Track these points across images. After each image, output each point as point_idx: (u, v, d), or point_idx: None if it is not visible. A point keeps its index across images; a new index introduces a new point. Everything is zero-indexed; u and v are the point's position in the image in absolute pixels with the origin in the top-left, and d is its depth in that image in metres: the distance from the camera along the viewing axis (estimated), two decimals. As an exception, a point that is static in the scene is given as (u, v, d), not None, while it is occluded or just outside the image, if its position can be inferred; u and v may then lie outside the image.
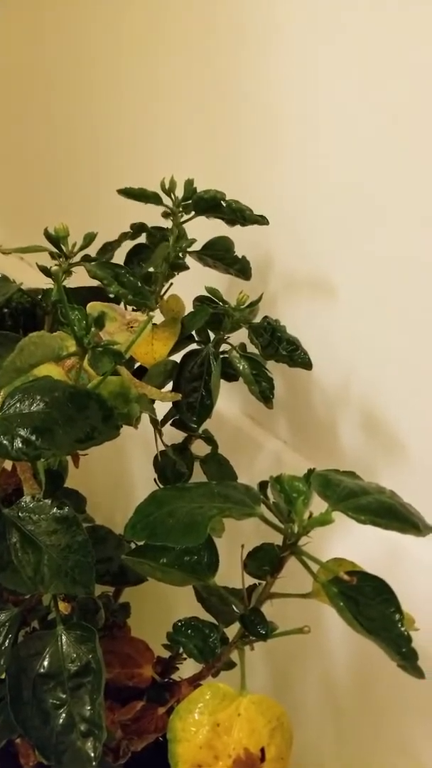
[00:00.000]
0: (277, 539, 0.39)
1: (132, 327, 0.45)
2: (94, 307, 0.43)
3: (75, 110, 0.87)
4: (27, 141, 0.99)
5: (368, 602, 0.32)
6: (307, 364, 0.49)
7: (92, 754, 0.36)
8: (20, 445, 0.36)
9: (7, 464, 0.50)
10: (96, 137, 0.84)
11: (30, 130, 0.98)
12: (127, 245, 0.57)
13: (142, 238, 0.57)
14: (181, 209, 0.54)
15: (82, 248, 0.48)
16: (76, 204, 0.91)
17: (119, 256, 0.57)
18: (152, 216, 0.56)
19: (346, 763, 0.58)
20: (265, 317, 0.52)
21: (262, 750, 0.35)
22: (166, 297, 0.56)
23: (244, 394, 0.65)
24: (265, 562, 0.38)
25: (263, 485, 0.40)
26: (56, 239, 0.46)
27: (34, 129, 0.97)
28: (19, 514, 0.40)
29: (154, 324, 0.52)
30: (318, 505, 0.36)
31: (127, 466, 0.77)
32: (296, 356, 0.49)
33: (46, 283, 0.52)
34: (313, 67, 0.56)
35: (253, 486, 0.38)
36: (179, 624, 0.43)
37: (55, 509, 0.40)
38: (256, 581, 0.42)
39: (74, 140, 0.88)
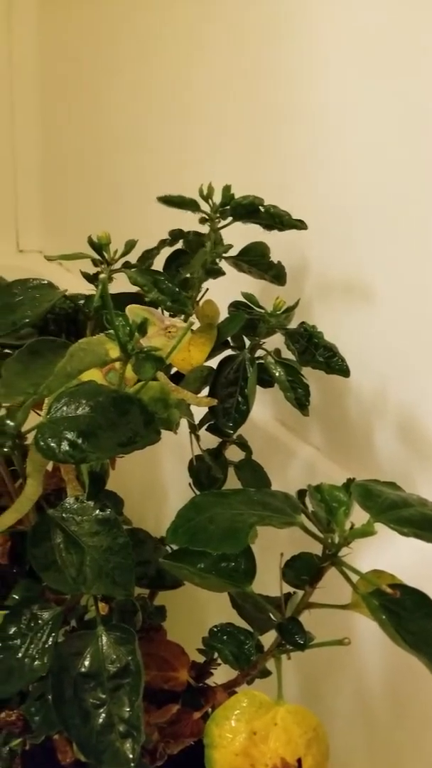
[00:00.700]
0: (310, 546, 0.39)
1: (170, 332, 0.46)
2: (132, 310, 0.43)
3: (115, 120, 0.88)
4: (67, 153, 1.01)
5: (409, 616, 0.32)
6: (344, 371, 0.49)
7: (131, 756, 0.37)
8: (67, 447, 0.36)
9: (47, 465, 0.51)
10: (136, 147, 0.85)
11: (71, 143, 1.00)
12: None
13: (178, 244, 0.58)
14: (218, 215, 0.55)
15: (123, 255, 0.49)
16: (110, 211, 0.92)
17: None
18: (182, 221, 0.56)
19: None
20: (302, 323, 0.52)
21: (299, 761, 0.35)
22: (201, 303, 0.56)
23: (277, 399, 0.65)
24: (303, 571, 0.38)
25: (301, 493, 0.40)
26: (99, 246, 0.47)
27: (76, 141, 0.98)
28: (63, 515, 0.40)
29: (191, 330, 0.53)
30: (356, 515, 0.36)
31: (158, 470, 0.78)
32: (333, 363, 0.49)
33: (88, 289, 0.53)
34: (352, 72, 0.56)
35: (291, 494, 0.38)
36: (215, 630, 0.43)
37: (97, 511, 0.40)
38: (291, 590, 0.42)
39: (115, 150, 0.89)
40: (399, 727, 0.55)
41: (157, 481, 0.79)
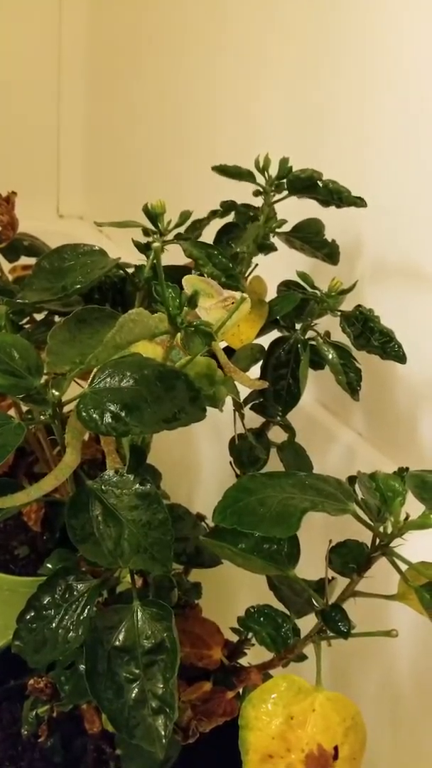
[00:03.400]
0: (347, 532, 0.37)
1: (232, 304, 0.44)
2: (190, 281, 0.42)
3: (162, 89, 0.86)
4: (115, 120, 0.99)
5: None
6: (400, 357, 0.47)
7: (162, 732, 0.36)
8: (110, 420, 0.36)
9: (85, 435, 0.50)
10: (186, 112, 0.83)
11: (117, 105, 0.98)
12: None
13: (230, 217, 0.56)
14: (273, 188, 0.53)
15: (176, 226, 0.48)
16: (155, 178, 0.90)
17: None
18: (233, 192, 0.54)
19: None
20: (358, 306, 0.50)
21: (336, 748, 0.35)
22: (249, 279, 0.55)
23: (319, 381, 0.63)
24: (350, 559, 0.37)
25: (351, 480, 0.39)
26: (153, 216, 0.45)
27: (122, 103, 0.96)
28: (102, 487, 0.40)
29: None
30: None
31: (193, 445, 0.78)
32: (389, 348, 0.47)
33: (138, 259, 0.51)
34: (414, 45, 0.53)
35: (343, 480, 0.37)
36: (251, 610, 0.43)
37: (137, 485, 0.39)
38: (329, 576, 0.41)
39: (163, 114, 0.87)
40: (426, 720, 0.55)
41: (191, 457, 0.78)
